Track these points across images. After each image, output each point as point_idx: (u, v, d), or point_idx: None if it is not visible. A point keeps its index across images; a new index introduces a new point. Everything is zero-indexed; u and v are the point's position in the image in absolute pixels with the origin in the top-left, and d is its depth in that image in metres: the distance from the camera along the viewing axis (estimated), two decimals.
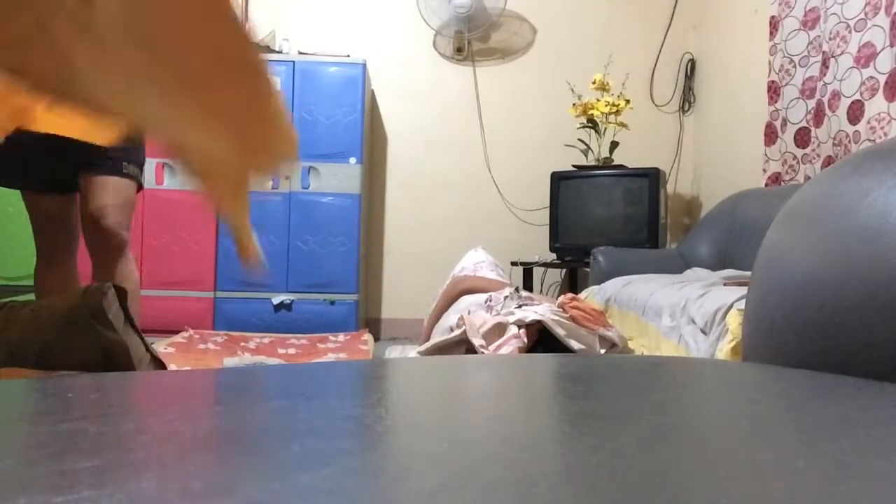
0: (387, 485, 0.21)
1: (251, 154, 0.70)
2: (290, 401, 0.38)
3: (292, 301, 3.14)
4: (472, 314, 1.79)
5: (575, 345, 1.60)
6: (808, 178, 2.55)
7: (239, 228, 0.86)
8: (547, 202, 3.33)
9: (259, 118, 0.66)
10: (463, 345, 1.65)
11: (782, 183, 2.71)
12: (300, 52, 3.39)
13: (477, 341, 1.59)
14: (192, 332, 2.93)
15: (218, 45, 0.58)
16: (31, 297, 2.65)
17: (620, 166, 3.26)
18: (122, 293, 1.86)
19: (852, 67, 2.23)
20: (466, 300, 2.06)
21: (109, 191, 1.64)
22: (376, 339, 3.36)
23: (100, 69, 0.51)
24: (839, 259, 0.48)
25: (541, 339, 1.63)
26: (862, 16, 2.21)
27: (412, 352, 2.47)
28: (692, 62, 3.71)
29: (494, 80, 3.70)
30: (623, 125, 3.30)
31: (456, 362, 0.55)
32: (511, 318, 1.65)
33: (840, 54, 2.29)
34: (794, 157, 2.64)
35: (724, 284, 1.92)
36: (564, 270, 3.47)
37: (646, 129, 3.67)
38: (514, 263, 3.31)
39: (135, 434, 0.29)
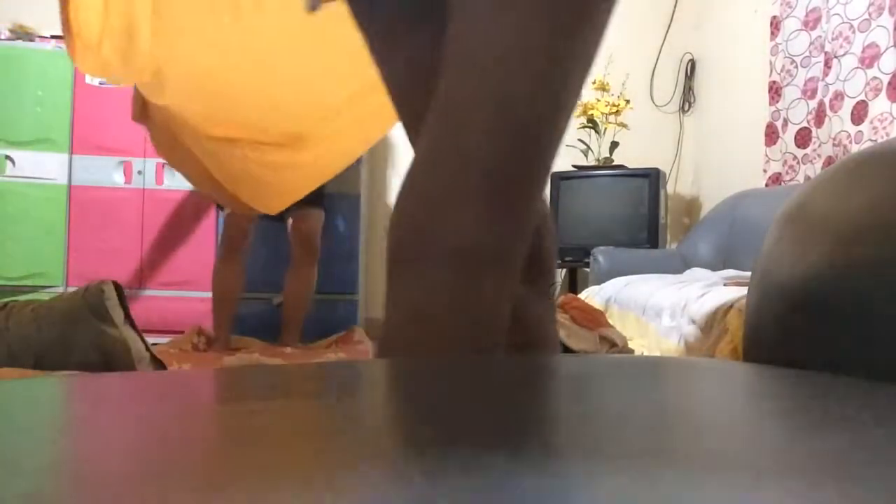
0: (387, 485, 0.21)
1: None
2: (291, 401, 0.38)
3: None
4: None
5: (575, 345, 1.60)
6: (808, 178, 2.54)
7: None
8: (547, 202, 3.33)
9: None
10: None
11: (783, 183, 2.71)
12: None
13: None
14: (196, 328, 2.91)
15: None
16: (32, 297, 2.64)
17: (620, 166, 3.26)
18: (121, 290, 1.86)
19: (856, 68, 2.23)
20: None
21: (317, 218, 2.59)
22: (376, 339, 3.35)
23: None
24: (839, 259, 0.48)
25: None
26: (866, 16, 2.21)
27: None
28: (692, 62, 3.70)
29: None
30: (623, 125, 3.30)
31: (456, 362, 0.55)
32: None
33: (843, 55, 2.29)
34: (795, 158, 2.64)
35: (724, 284, 1.92)
36: (564, 270, 3.47)
37: (646, 129, 3.67)
38: None
39: (135, 434, 0.29)
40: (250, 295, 3.12)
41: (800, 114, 2.61)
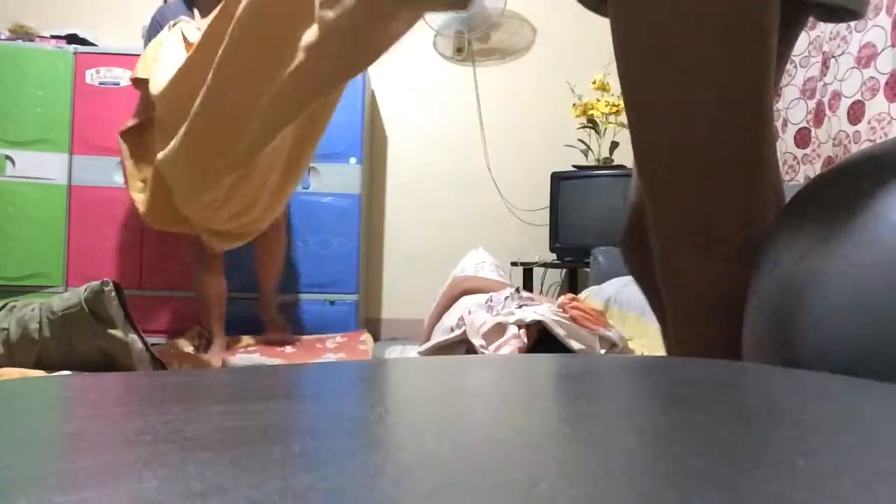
0: (387, 485, 0.21)
1: None
2: (290, 401, 0.38)
3: (292, 301, 3.13)
4: (472, 314, 1.79)
5: (575, 345, 1.60)
6: (808, 178, 2.55)
7: None
8: (547, 202, 3.33)
9: None
10: (463, 345, 1.65)
11: (783, 183, 2.71)
12: None
13: (477, 341, 1.59)
14: (197, 330, 2.92)
15: None
16: (32, 297, 2.65)
17: (621, 166, 3.26)
18: (121, 291, 1.86)
19: (853, 68, 2.23)
20: (467, 300, 2.06)
21: None
22: (376, 339, 3.36)
23: None
24: (838, 259, 0.48)
25: (541, 339, 1.63)
26: None
27: (412, 352, 2.47)
28: None
29: (494, 80, 3.70)
30: (623, 125, 3.29)
31: (456, 362, 0.55)
32: (511, 319, 1.65)
33: (840, 54, 2.29)
34: (794, 158, 2.63)
35: None
36: (564, 271, 3.47)
37: None
38: (514, 264, 3.30)
39: (135, 434, 0.29)
40: (251, 295, 3.12)
41: (799, 114, 2.60)
